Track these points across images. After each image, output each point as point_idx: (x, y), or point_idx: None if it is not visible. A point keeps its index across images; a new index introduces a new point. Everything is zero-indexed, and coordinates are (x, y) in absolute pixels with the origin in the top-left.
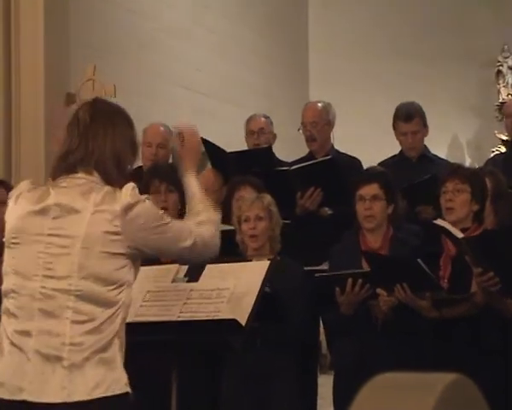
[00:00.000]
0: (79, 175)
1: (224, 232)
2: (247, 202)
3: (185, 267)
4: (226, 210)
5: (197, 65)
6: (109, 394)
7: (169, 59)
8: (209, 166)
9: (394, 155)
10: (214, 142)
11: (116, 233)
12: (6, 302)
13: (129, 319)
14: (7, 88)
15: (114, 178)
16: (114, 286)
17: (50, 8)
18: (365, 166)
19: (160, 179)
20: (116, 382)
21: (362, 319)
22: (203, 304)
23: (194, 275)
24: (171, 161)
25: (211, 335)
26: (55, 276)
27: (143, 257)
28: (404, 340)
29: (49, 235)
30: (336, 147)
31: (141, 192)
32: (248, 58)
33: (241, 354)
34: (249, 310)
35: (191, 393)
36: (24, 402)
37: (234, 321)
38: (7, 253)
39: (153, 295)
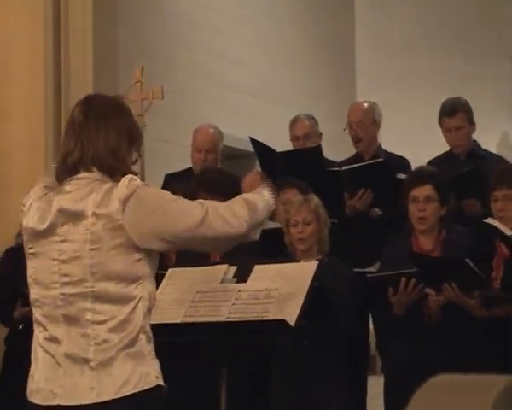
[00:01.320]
0: (81, 175)
1: (272, 231)
2: (294, 205)
3: (234, 268)
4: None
5: (243, 65)
6: (138, 390)
7: (215, 60)
8: (257, 167)
9: (443, 154)
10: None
11: (120, 228)
12: (34, 312)
13: (178, 320)
14: (57, 92)
15: (114, 170)
16: (129, 282)
17: (99, 12)
18: (414, 165)
19: (205, 191)
20: (145, 376)
21: (413, 320)
22: (252, 305)
23: (242, 276)
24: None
25: (259, 336)
26: (71, 281)
27: (159, 247)
28: (455, 340)
29: (60, 242)
30: (384, 147)
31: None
32: (295, 59)
33: (289, 355)
34: (298, 310)
35: (239, 394)
36: (58, 407)
37: (282, 322)
38: (27, 263)
39: (202, 296)
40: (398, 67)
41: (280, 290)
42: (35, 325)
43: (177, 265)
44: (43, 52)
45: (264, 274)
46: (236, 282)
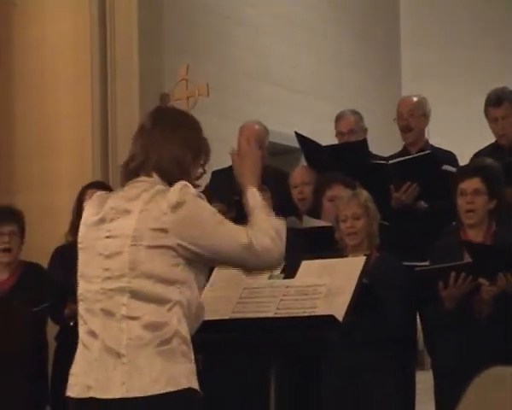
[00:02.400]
0: (141, 179)
1: (320, 229)
2: (343, 200)
3: (281, 264)
4: (316, 206)
5: (291, 63)
6: (168, 390)
7: (262, 57)
8: (302, 162)
9: (489, 145)
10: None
11: (163, 230)
12: (79, 307)
13: (226, 316)
14: (103, 90)
15: (175, 178)
16: (167, 284)
17: (144, 11)
18: (460, 158)
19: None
20: (175, 378)
21: (463, 314)
22: (300, 300)
23: (290, 272)
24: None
25: (308, 332)
26: (112, 276)
27: (197, 259)
28: (506, 332)
29: (106, 237)
30: (430, 140)
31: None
32: (341, 54)
33: (338, 351)
34: (346, 306)
35: (289, 391)
36: (91, 399)
37: (331, 317)
38: (79, 258)
39: (249, 292)
40: (443, 59)
41: (328, 286)
42: (78, 319)
43: None
44: (89, 52)
45: (311, 270)
46: (284, 278)
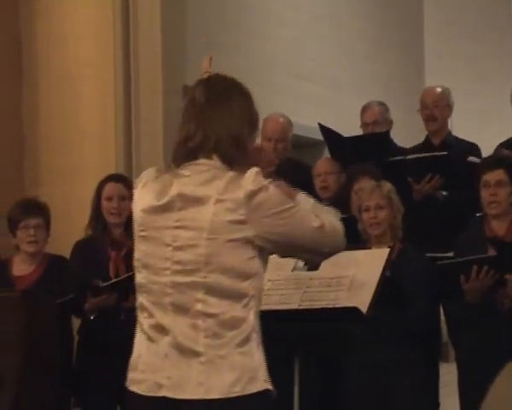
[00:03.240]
0: (201, 161)
1: (344, 220)
2: (366, 191)
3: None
4: (345, 199)
5: (314, 55)
6: (247, 392)
7: (285, 50)
8: (325, 155)
9: None
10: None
11: (241, 222)
12: (139, 297)
13: None
14: (126, 82)
15: (235, 159)
16: (242, 278)
17: (167, 3)
18: (484, 149)
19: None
20: (254, 379)
21: (485, 307)
22: (323, 292)
23: (314, 264)
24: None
25: (331, 324)
26: (183, 270)
27: (273, 248)
28: None
29: (176, 228)
30: (454, 132)
31: None
32: (363, 46)
33: (361, 343)
34: (370, 298)
35: (312, 383)
36: (163, 398)
37: (355, 309)
38: (136, 244)
39: (273, 284)
40: (467, 52)
41: (351, 278)
42: (139, 311)
43: None
44: (112, 46)
45: (335, 261)
46: (308, 270)
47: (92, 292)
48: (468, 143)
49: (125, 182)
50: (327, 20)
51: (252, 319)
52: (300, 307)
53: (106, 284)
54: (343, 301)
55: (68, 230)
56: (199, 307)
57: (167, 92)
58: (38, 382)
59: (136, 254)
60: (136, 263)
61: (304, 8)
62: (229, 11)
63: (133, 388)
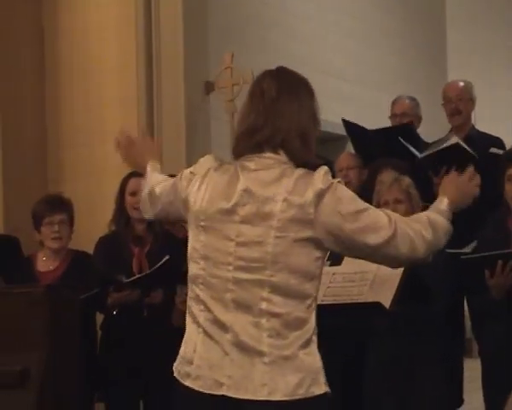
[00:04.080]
0: (267, 155)
1: None
2: (385, 185)
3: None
4: (369, 192)
5: (336, 50)
6: (309, 395)
7: (307, 45)
8: (348, 149)
9: None
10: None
11: (310, 221)
12: (195, 289)
13: None
14: (148, 78)
15: (301, 156)
16: (307, 279)
17: None
18: (507, 142)
19: None
20: (316, 382)
21: (510, 302)
22: (346, 287)
23: (336, 259)
24: None
25: (354, 318)
26: (247, 266)
27: (341, 250)
28: None
29: (240, 222)
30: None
31: None
32: (386, 41)
33: (384, 338)
34: (393, 293)
35: (333, 379)
36: (223, 397)
37: (378, 304)
38: (193, 234)
39: None
40: (489, 45)
41: (374, 273)
42: (193, 302)
43: None
44: (134, 40)
45: None
46: (330, 265)
47: (115, 287)
48: (491, 136)
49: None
50: (350, 14)
51: (313, 320)
52: (323, 303)
53: (129, 279)
54: (366, 296)
55: (91, 226)
56: (263, 305)
57: (189, 87)
58: (62, 376)
59: (194, 244)
60: (192, 253)
61: (327, 2)
62: (250, 6)
63: (188, 382)
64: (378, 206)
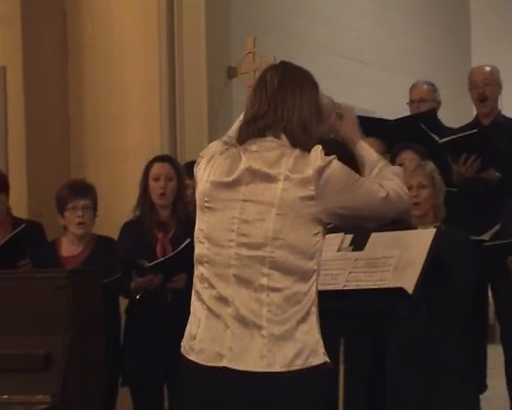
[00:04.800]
0: (269, 138)
1: None
2: (408, 170)
3: (350, 236)
4: None
5: (357, 34)
6: (307, 365)
7: (329, 30)
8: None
9: None
10: (376, 110)
11: (311, 198)
12: (200, 268)
13: None
14: (170, 63)
15: (301, 142)
16: (307, 255)
17: None
18: None
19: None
20: (314, 352)
21: None
22: (369, 273)
23: (359, 244)
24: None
25: (377, 304)
26: (249, 243)
27: (340, 221)
28: None
29: (244, 201)
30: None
31: None
32: (409, 24)
33: (407, 324)
34: (416, 278)
35: (357, 365)
36: (224, 369)
37: (400, 290)
38: (199, 215)
39: None
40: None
41: (397, 258)
42: (197, 281)
43: None
44: (156, 26)
45: (380, 242)
46: (353, 250)
47: (137, 272)
48: None
49: (172, 163)
50: (373, 0)
51: (313, 291)
52: (346, 288)
53: (151, 263)
54: (389, 281)
55: (114, 211)
56: (264, 281)
57: (211, 73)
58: (86, 361)
59: (200, 225)
60: (198, 234)
61: None
62: None
63: (192, 356)
64: None
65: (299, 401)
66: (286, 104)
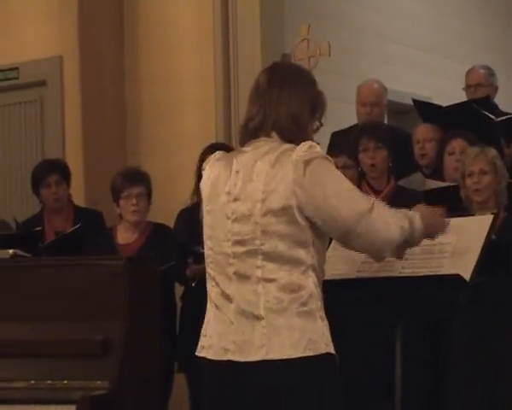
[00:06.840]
0: (261, 139)
1: (445, 189)
2: (470, 156)
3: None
4: (438, 164)
5: (411, 19)
6: (307, 354)
7: (383, 15)
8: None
9: None
10: (433, 96)
11: (293, 191)
12: (207, 267)
13: (351, 276)
14: (225, 51)
15: (293, 135)
16: (299, 245)
17: None
18: None
19: (368, 137)
20: (313, 343)
21: None
22: (425, 259)
23: None
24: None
25: (433, 291)
26: (241, 240)
27: (320, 221)
28: None
29: (235, 200)
30: None
31: (350, 150)
32: (462, 8)
33: (466, 310)
34: (473, 265)
35: (414, 352)
36: (229, 362)
37: (457, 276)
38: (204, 220)
39: None
40: None
41: (454, 245)
42: (208, 281)
43: None
44: (211, 14)
45: None
46: None
47: (193, 258)
48: None
49: (228, 150)
50: None
51: (311, 286)
52: (402, 275)
53: None
54: (446, 268)
55: (169, 199)
56: (259, 273)
57: (266, 60)
58: (143, 347)
59: (204, 228)
60: (204, 236)
61: None
62: None
63: (203, 353)
64: (462, 177)
65: (298, 390)
66: (273, 102)
